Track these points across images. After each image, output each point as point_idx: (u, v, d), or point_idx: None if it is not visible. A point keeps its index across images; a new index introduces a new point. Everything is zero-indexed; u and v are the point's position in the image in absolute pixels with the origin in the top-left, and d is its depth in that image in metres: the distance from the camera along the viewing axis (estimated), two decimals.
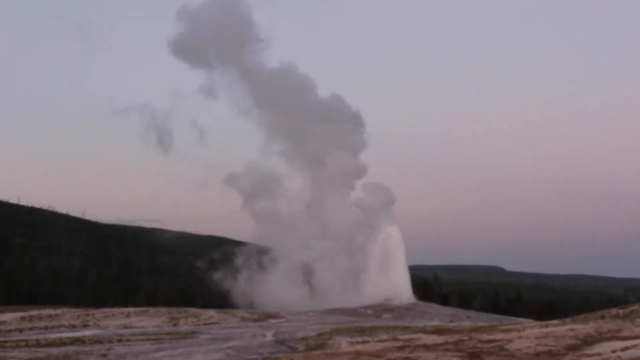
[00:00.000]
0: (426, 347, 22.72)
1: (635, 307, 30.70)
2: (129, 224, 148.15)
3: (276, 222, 72.83)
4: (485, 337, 24.86)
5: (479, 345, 22.51)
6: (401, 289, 61.29)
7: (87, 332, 34.78)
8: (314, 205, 71.80)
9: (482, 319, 52.40)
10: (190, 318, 44.05)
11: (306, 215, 72.28)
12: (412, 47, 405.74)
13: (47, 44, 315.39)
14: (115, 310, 48.79)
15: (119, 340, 28.65)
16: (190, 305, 58.44)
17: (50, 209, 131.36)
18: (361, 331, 33.28)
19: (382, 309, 54.98)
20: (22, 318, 41.78)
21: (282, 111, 73.50)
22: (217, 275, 73.29)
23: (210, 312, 48.52)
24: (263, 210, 73.80)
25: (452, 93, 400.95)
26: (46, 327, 38.06)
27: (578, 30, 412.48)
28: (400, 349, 22.43)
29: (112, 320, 42.14)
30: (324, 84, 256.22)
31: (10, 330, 36.71)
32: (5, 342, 28.09)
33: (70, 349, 24.96)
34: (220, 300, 70.70)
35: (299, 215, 73.08)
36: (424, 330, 31.60)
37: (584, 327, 25.67)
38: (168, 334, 33.42)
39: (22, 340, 29.03)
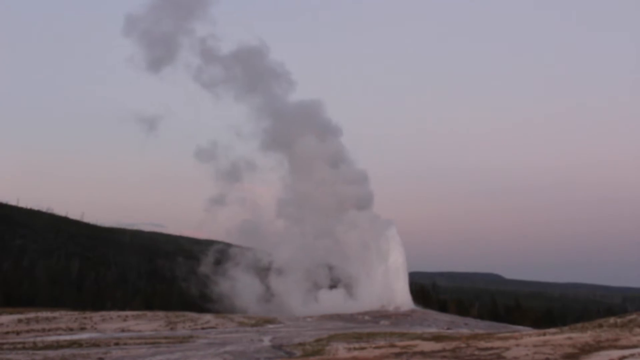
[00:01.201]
0: (423, 353, 22.68)
1: (633, 317, 30.66)
2: (128, 227, 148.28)
3: (247, 211, 72.99)
4: (482, 344, 24.82)
5: (476, 352, 22.46)
6: (400, 295, 61.13)
7: (84, 335, 34.70)
8: (288, 201, 71.66)
9: (480, 326, 52.27)
10: (187, 322, 43.95)
11: (278, 213, 72.13)
12: (410, 50, 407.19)
13: (48, 45, 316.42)
14: (113, 313, 48.72)
15: (116, 344, 28.61)
16: (188, 310, 58.32)
17: (49, 211, 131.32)
18: (359, 337, 33.19)
19: (380, 315, 54.83)
20: (20, 320, 41.71)
21: (252, 97, 73.63)
22: (182, 275, 73.34)
23: (208, 317, 48.41)
24: (229, 196, 73.50)
25: (451, 97, 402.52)
26: (43, 330, 37.96)
27: (575, 32, 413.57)
28: (397, 355, 22.39)
29: (110, 324, 42.04)
30: (318, 87, 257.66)
31: (7, 333, 36.62)
32: (3, 344, 28.04)
33: (67, 351, 24.91)
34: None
35: (268, 211, 73.00)
36: (421, 337, 31.55)
37: (582, 335, 25.62)
38: (165, 338, 33.33)
39: (19, 343, 28.98)
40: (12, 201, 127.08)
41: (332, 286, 66.98)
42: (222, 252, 72.51)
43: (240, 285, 67.62)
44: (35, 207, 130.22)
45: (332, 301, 62.57)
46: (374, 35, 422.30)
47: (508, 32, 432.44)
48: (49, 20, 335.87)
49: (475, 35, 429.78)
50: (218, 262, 71.57)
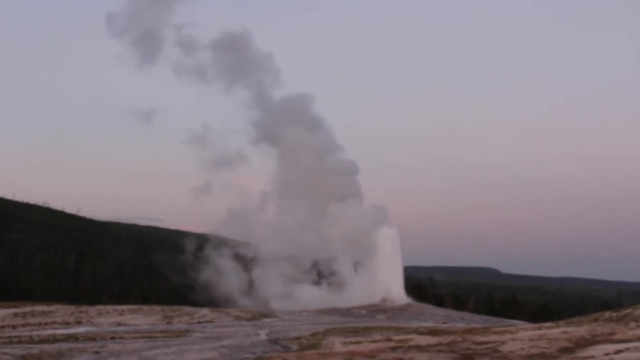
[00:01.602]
0: (419, 347, 22.70)
1: (628, 311, 30.70)
2: (125, 221, 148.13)
3: (238, 203, 73.28)
4: (478, 338, 24.85)
5: (472, 346, 22.49)
6: (395, 290, 61.15)
7: (80, 329, 34.68)
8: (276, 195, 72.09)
9: (476, 320, 52.38)
10: (184, 316, 43.96)
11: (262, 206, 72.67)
12: (406, 46, 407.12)
13: (46, 41, 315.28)
14: (109, 307, 48.68)
15: (113, 338, 28.57)
16: (184, 304, 58.34)
17: (46, 205, 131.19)
18: (355, 331, 33.25)
19: (376, 309, 54.92)
20: (16, 314, 41.66)
21: (240, 88, 74.36)
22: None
23: (204, 311, 48.42)
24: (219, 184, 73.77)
25: (446, 89, 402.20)
26: (39, 324, 37.94)
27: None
28: (393, 349, 22.40)
29: (106, 318, 42.04)
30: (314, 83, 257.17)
31: (3, 327, 36.60)
32: None
33: (63, 345, 24.85)
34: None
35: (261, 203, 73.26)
36: (417, 331, 31.60)
37: (578, 329, 25.67)
38: (162, 332, 33.34)
39: (15, 337, 28.94)
40: (8, 195, 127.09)
41: (317, 281, 67.20)
42: (210, 243, 72.62)
43: (224, 277, 68.03)
44: (32, 202, 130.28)
45: (317, 295, 62.70)
46: (374, 34, 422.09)
47: (508, 32, 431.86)
48: (48, 16, 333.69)
49: (475, 35, 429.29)
50: (203, 253, 71.83)
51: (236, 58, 72.94)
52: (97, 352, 22.88)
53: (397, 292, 60.94)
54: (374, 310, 54.56)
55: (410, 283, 67.06)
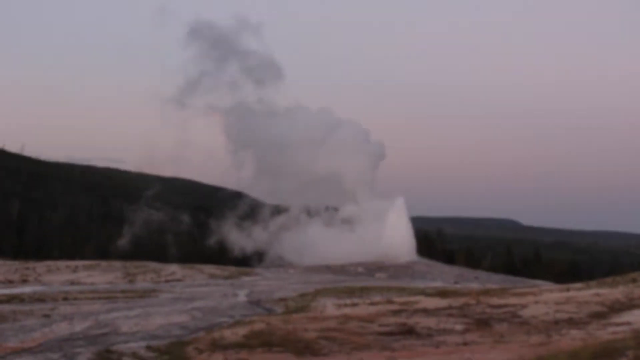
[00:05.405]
0: (426, 311, 22.87)
1: None
2: (78, 162, 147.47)
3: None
4: (495, 301, 25.06)
5: (487, 310, 22.67)
6: (400, 244, 61.28)
7: (26, 289, 34.85)
8: None
9: (493, 280, 52.94)
10: (149, 274, 44.22)
11: None
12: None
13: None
14: (61, 263, 48.88)
15: (65, 299, 28.71)
16: (148, 259, 58.61)
17: None
18: (350, 292, 33.49)
19: (376, 267, 55.22)
20: None
21: None
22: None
23: (173, 267, 48.67)
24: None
25: (454, 26, 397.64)
26: None
27: None
28: (395, 313, 22.56)
29: (57, 276, 42.22)
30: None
31: None
32: None
33: (6, 307, 24.94)
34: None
35: None
36: (424, 293, 31.87)
37: (612, 291, 25.89)
38: (122, 292, 33.54)
39: None
40: None
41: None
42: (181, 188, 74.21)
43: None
44: None
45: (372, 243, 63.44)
46: None
47: None
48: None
49: None
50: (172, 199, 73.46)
51: None
52: (46, 315, 22.98)
53: (404, 247, 61.10)
54: (372, 267, 54.89)
55: (416, 237, 67.52)
